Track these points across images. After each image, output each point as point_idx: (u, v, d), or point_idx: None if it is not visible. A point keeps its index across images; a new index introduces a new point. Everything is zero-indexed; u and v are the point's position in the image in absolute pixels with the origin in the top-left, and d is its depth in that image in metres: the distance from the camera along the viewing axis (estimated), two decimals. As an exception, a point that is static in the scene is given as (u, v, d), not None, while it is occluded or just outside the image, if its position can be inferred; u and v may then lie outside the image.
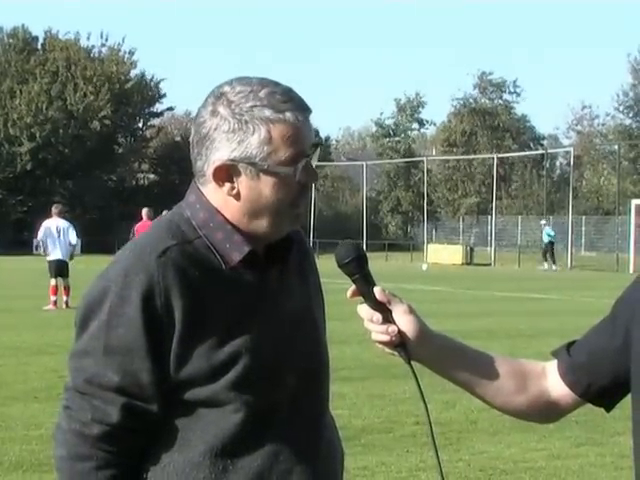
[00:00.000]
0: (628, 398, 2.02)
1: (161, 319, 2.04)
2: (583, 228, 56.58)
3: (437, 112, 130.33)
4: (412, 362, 2.06)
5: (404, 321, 2.04)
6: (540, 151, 60.77)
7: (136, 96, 64.07)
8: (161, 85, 66.29)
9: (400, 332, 2.04)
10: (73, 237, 20.37)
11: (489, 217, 54.84)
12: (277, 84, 2.10)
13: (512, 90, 67.77)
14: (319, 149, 2.16)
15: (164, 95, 67.03)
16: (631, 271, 38.21)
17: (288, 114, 2.05)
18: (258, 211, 2.09)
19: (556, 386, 2.11)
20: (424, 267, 42.03)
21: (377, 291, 2.04)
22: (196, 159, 2.13)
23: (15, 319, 17.61)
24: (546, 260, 43.02)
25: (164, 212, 2.34)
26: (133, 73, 64.81)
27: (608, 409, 2.12)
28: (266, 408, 2.11)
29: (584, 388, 2.08)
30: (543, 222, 45.62)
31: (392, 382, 10.38)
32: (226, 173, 2.08)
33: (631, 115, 64.16)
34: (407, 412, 9.00)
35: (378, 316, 2.03)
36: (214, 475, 2.09)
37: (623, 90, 63.90)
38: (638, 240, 42.15)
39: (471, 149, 65.85)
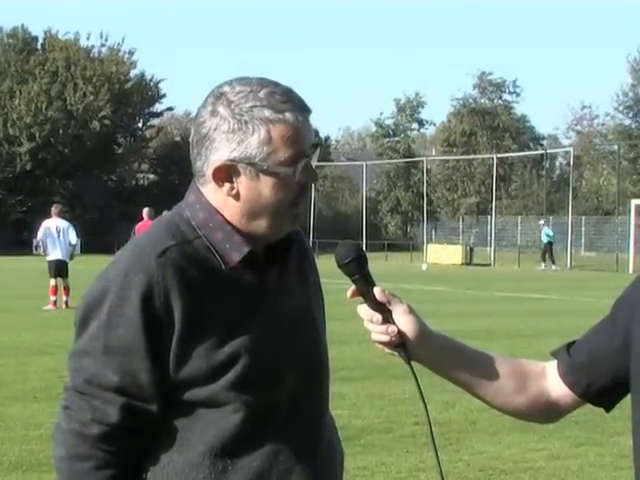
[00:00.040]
0: (628, 398, 2.02)
1: (160, 319, 2.04)
2: (583, 228, 56.59)
3: (437, 112, 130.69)
4: (412, 362, 2.06)
5: (404, 321, 2.04)
6: (540, 151, 60.76)
7: (136, 96, 64.06)
8: (161, 85, 66.37)
9: (400, 332, 2.04)
10: (73, 237, 20.37)
11: (489, 217, 54.84)
12: (277, 84, 2.10)
13: (512, 90, 67.86)
14: (319, 149, 2.16)
15: (164, 95, 67.08)
16: (631, 271, 38.21)
17: (288, 114, 2.05)
18: (258, 211, 2.09)
19: (556, 386, 2.11)
20: (424, 267, 42.03)
21: (377, 291, 2.04)
22: (196, 159, 2.12)
23: (15, 319, 17.61)
24: (544, 260, 43.02)
25: (164, 212, 2.34)
26: (133, 73, 64.84)
27: (608, 409, 2.11)
28: (266, 408, 2.11)
29: (584, 388, 2.08)
30: (542, 222, 45.61)
31: (392, 382, 10.38)
32: (226, 173, 2.08)
33: (631, 115, 64.17)
34: (407, 412, 9.00)
35: (378, 316, 2.03)
36: (214, 475, 2.09)
37: (623, 90, 63.98)
38: (638, 240, 42.16)
39: (471, 149, 65.85)
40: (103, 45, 65.07)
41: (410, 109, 68.61)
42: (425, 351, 2.07)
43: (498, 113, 66.91)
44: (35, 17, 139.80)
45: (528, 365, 2.16)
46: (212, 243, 2.11)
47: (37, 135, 58.76)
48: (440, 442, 7.50)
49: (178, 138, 66.79)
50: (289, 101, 2.07)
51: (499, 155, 56.35)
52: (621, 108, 64.23)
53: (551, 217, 52.01)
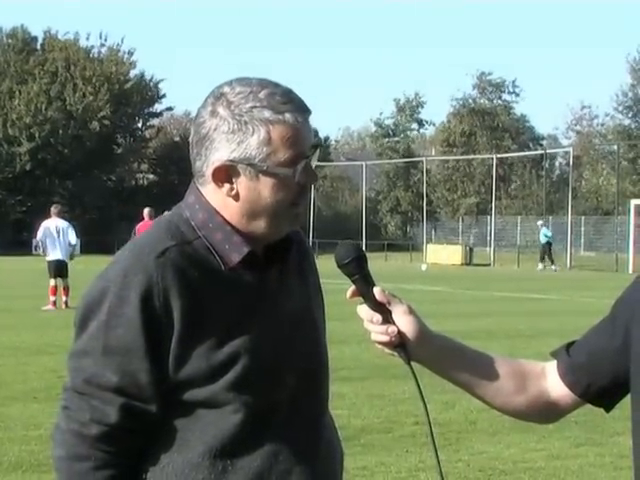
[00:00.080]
0: (628, 398, 2.02)
1: (160, 319, 2.04)
2: (582, 228, 56.60)
3: (436, 112, 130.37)
4: (412, 362, 2.06)
5: (404, 321, 2.04)
6: (539, 151, 60.75)
7: (135, 96, 64.05)
8: (160, 85, 66.30)
9: (400, 333, 2.04)
10: (72, 237, 20.37)
11: (488, 217, 54.85)
12: (277, 85, 2.10)
13: (511, 90, 67.86)
14: (319, 150, 2.16)
15: (163, 95, 67.00)
16: (630, 271, 38.22)
17: (288, 115, 2.05)
18: (257, 212, 2.09)
19: (556, 386, 2.11)
20: (423, 267, 42.03)
21: (377, 291, 2.04)
22: (195, 159, 2.12)
23: (14, 319, 17.61)
24: (543, 261, 43.02)
25: (165, 213, 2.35)
26: (132, 73, 64.82)
27: (608, 409, 2.11)
28: (265, 408, 2.11)
29: (584, 388, 2.08)
30: (540, 223, 45.60)
31: (391, 382, 10.38)
32: (225, 174, 2.08)
33: (630, 115, 64.18)
34: (406, 412, 9.00)
35: (378, 317, 2.03)
36: (213, 475, 2.09)
37: (622, 90, 63.98)
38: (637, 240, 42.17)
39: (470, 149, 65.85)
40: (103, 45, 65.13)
41: (410, 109, 68.62)
42: (425, 351, 2.07)
43: (498, 113, 66.92)
44: (35, 17, 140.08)
45: (528, 365, 2.16)
46: (212, 243, 2.11)
47: (37, 135, 58.76)
48: (440, 442, 7.50)
49: (178, 138, 66.79)
50: (289, 102, 2.07)
51: (499, 155, 56.36)
52: (621, 108, 64.27)
53: (551, 217, 52.05)
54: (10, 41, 63.86)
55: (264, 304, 2.14)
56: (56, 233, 20.14)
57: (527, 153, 63.02)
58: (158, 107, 67.09)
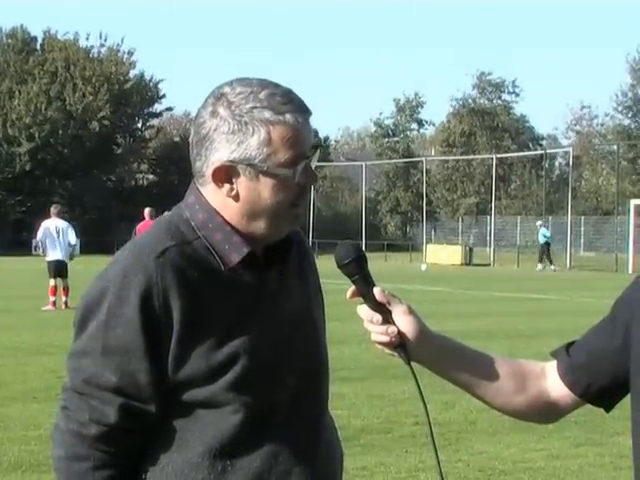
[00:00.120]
0: (627, 398, 2.02)
1: (159, 320, 2.04)
2: (582, 228, 56.61)
3: (436, 112, 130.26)
4: (412, 363, 2.06)
5: (404, 322, 2.04)
6: (539, 151, 60.77)
7: (135, 96, 64.05)
8: (160, 85, 66.29)
9: (400, 333, 2.04)
10: (72, 237, 20.37)
11: (488, 217, 54.85)
12: (277, 85, 2.10)
13: (511, 90, 67.85)
14: (319, 151, 2.16)
15: (163, 96, 66.98)
16: (630, 271, 38.23)
17: (288, 116, 2.05)
18: (257, 212, 2.09)
19: (555, 386, 2.11)
20: (423, 267, 42.04)
21: (377, 292, 2.04)
22: (195, 159, 2.12)
23: (14, 319, 17.61)
24: (542, 261, 43.03)
25: (165, 213, 2.35)
26: (132, 73, 64.81)
27: (607, 409, 2.11)
28: (265, 409, 2.11)
29: (583, 388, 2.08)
30: (539, 223, 45.61)
31: (391, 382, 10.39)
32: (225, 174, 2.08)
33: (630, 115, 64.19)
34: (406, 412, 9.00)
35: (378, 317, 2.03)
36: (213, 476, 2.09)
37: (622, 90, 63.98)
38: (637, 240, 42.19)
39: (470, 149, 65.86)
40: (102, 45, 65.12)
41: (409, 109, 68.61)
42: (425, 351, 2.07)
43: (497, 113, 66.92)
44: (34, 17, 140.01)
45: (527, 365, 2.16)
46: (211, 244, 2.11)
47: (36, 135, 58.76)
48: (440, 442, 7.50)
49: (177, 138, 66.80)
50: (289, 102, 2.07)
51: (498, 155, 56.37)
52: (620, 108, 64.27)
53: (550, 217, 52.06)
54: (10, 41, 63.86)
55: (264, 304, 2.13)
56: (56, 233, 20.14)
57: (527, 153, 63.04)
58: (158, 107, 67.18)
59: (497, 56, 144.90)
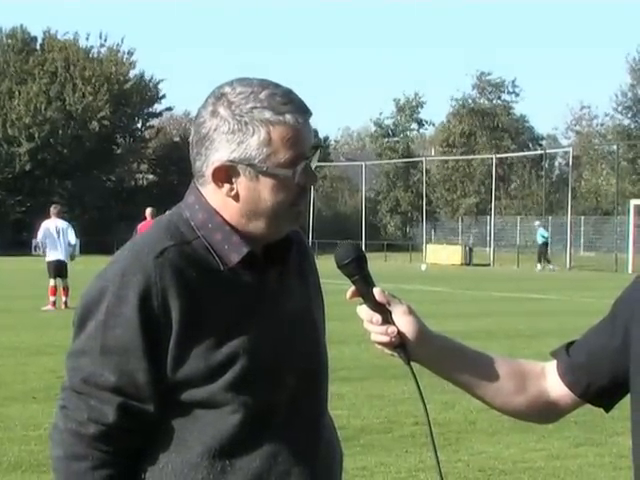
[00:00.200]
0: (627, 398, 2.02)
1: (158, 319, 2.03)
2: (582, 228, 56.61)
3: (436, 112, 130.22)
4: (412, 363, 2.05)
5: (404, 322, 2.04)
6: (539, 151, 60.78)
7: (135, 96, 64.05)
8: (160, 86, 66.31)
9: (400, 333, 2.03)
10: (72, 237, 20.37)
11: (488, 217, 54.86)
12: (278, 86, 2.10)
13: (511, 90, 67.87)
14: (319, 151, 2.16)
15: (163, 96, 66.97)
16: (630, 271, 38.24)
17: (288, 116, 2.05)
18: (257, 212, 2.09)
19: (555, 386, 2.11)
20: (423, 267, 42.05)
21: (376, 292, 2.04)
22: (195, 159, 2.12)
23: (14, 319, 17.61)
24: (541, 261, 43.04)
25: (166, 213, 2.35)
26: (132, 73, 64.82)
27: (607, 409, 2.11)
28: (265, 409, 2.10)
29: (583, 388, 2.08)
30: (537, 223, 45.62)
31: (391, 382, 10.38)
32: (225, 174, 2.08)
33: (630, 115, 64.18)
34: (406, 412, 9.00)
35: (378, 317, 2.03)
36: (212, 476, 2.08)
37: (622, 90, 63.99)
38: (637, 240, 42.21)
39: (470, 149, 65.86)
40: (102, 45, 65.13)
41: (409, 109, 68.60)
42: (425, 352, 2.07)
43: (497, 113, 66.92)
44: (34, 17, 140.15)
45: (527, 365, 2.16)
46: (211, 244, 2.11)
47: (36, 135, 58.76)
48: (439, 442, 7.50)
49: (177, 138, 66.81)
50: (289, 103, 2.06)
51: (498, 155, 56.37)
52: (620, 108, 64.27)
53: (550, 217, 52.04)
54: (10, 41, 63.86)
55: (263, 304, 2.13)
56: (56, 233, 20.13)
57: (527, 153, 63.04)
58: (158, 107, 67.19)
59: (497, 56, 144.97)
